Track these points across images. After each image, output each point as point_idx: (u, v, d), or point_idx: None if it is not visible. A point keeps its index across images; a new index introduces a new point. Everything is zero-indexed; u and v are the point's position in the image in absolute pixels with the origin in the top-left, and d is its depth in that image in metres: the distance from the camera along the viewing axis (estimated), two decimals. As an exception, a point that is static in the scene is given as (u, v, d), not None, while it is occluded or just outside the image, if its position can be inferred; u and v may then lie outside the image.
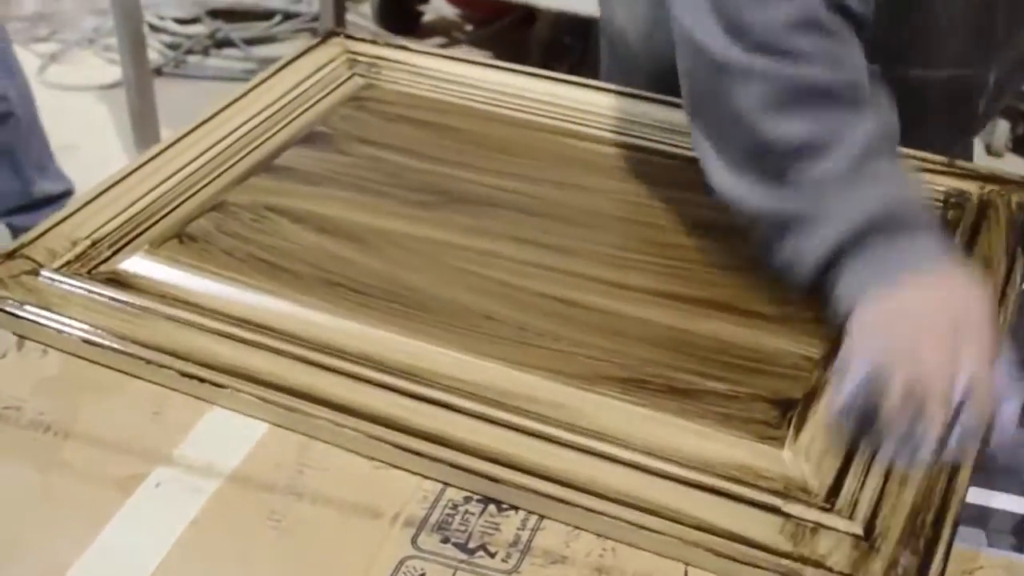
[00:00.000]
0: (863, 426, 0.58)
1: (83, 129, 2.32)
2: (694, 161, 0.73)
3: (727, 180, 0.70)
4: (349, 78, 0.93)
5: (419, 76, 0.93)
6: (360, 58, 0.95)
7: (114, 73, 2.45)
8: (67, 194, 1.92)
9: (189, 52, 2.65)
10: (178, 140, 0.83)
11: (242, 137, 0.84)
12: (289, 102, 0.89)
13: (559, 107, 0.89)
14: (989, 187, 0.81)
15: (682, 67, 0.72)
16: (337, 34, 0.98)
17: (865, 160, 0.65)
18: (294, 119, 0.87)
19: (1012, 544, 0.57)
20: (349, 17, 2.66)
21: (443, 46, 2.58)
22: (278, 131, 0.85)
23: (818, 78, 0.66)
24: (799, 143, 0.66)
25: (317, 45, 0.96)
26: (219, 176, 0.80)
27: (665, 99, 0.88)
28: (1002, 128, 2.12)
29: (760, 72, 0.66)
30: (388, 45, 0.96)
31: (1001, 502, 0.60)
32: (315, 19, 2.73)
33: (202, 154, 0.82)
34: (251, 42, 2.69)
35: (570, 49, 2.54)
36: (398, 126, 0.87)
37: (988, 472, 0.62)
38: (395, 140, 0.85)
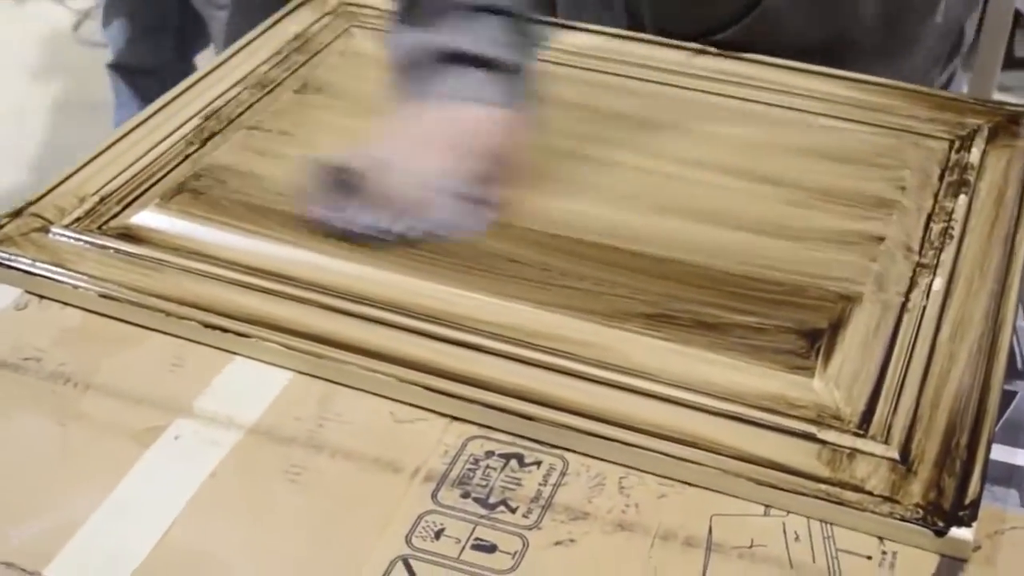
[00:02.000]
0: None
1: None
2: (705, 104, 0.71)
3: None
4: (345, 31, 0.91)
5: None
6: (357, 10, 0.94)
7: (148, 29, 2.44)
8: None
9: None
10: (177, 96, 0.82)
11: (243, 91, 0.83)
12: (284, 58, 0.87)
13: (577, 55, 0.88)
14: (993, 117, 0.80)
15: None
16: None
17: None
18: (294, 71, 0.86)
19: (1047, 504, 0.56)
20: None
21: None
22: (277, 85, 0.84)
23: None
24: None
25: (309, -1, 0.95)
26: (224, 129, 0.79)
27: (680, 44, 0.87)
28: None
29: None
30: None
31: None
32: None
33: (204, 108, 0.81)
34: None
35: None
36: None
37: (1019, 430, 0.60)
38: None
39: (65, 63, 2.34)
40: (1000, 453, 0.58)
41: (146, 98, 1.88)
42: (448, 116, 0.72)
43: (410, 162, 0.70)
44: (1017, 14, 1.59)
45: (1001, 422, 0.60)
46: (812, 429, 0.57)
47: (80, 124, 2.17)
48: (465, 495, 0.55)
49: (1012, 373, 0.64)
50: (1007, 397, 0.62)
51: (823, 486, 0.54)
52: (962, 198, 0.73)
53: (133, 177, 0.74)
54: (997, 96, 1.60)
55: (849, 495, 0.54)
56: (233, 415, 0.59)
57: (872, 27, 0.89)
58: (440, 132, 0.72)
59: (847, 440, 0.56)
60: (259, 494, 0.56)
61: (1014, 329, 0.63)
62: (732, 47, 0.87)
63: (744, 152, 0.77)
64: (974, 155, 0.76)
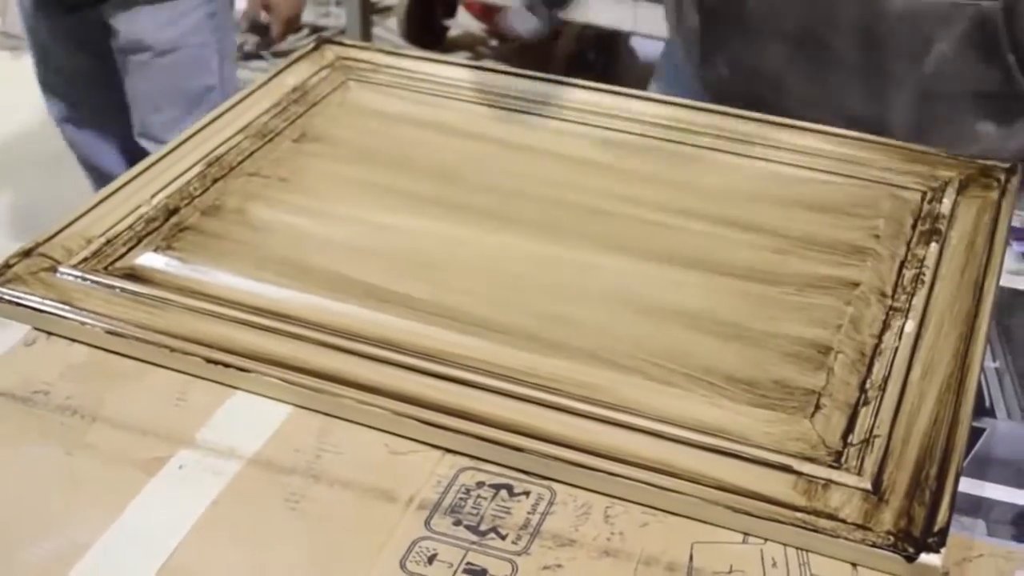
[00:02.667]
0: None
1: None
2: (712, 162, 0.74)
3: None
4: (343, 83, 0.95)
5: (413, 80, 0.95)
6: (354, 64, 0.97)
7: (144, 84, 2.47)
8: None
9: (217, 64, 2.68)
10: (181, 143, 0.85)
11: (244, 139, 0.86)
12: (283, 109, 0.91)
13: (570, 109, 0.91)
14: (965, 170, 0.83)
15: None
16: (330, 41, 1.01)
17: None
18: (293, 122, 0.89)
19: (1012, 534, 0.58)
20: (376, 31, 2.69)
21: (469, 60, 2.59)
22: (276, 135, 0.88)
23: None
24: None
25: (310, 52, 0.98)
26: (226, 175, 0.82)
27: (666, 99, 0.91)
28: None
29: None
30: (381, 51, 0.98)
31: (999, 494, 0.61)
32: (342, 33, 2.77)
33: (207, 155, 0.84)
34: (279, 55, 2.73)
35: (593, 63, 2.57)
36: (395, 127, 0.89)
37: (986, 465, 0.63)
38: (392, 143, 0.87)
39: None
40: (968, 486, 0.61)
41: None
42: None
43: None
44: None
45: (970, 457, 0.63)
46: (789, 461, 0.60)
47: (74, 177, 2.20)
48: (457, 522, 0.58)
49: (980, 411, 0.67)
50: (975, 433, 0.65)
51: (799, 514, 0.57)
52: (933, 246, 0.76)
53: (138, 220, 0.77)
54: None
55: (824, 523, 0.56)
56: (234, 446, 0.62)
57: (850, 37, 0.93)
58: None
59: (822, 472, 0.59)
60: (259, 521, 0.58)
61: (982, 369, 0.66)
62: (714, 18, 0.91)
63: (725, 202, 0.81)
64: (945, 205, 0.80)
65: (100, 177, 2.01)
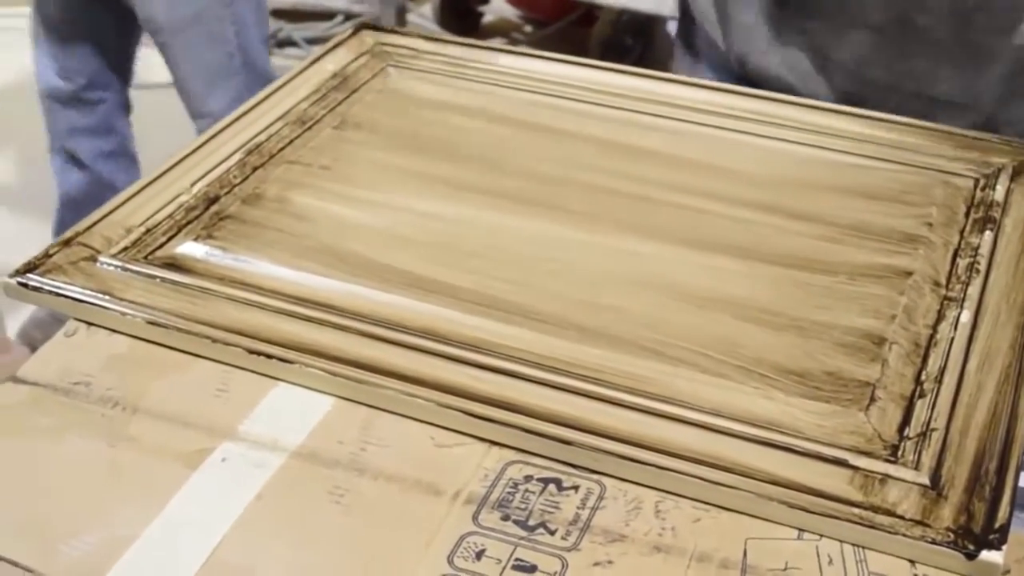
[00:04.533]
0: None
1: (145, 128, 2.35)
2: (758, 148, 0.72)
3: None
4: (382, 69, 0.93)
5: (451, 65, 0.94)
6: (393, 50, 0.96)
7: (178, 72, 2.48)
8: None
9: (252, 51, 2.67)
10: (221, 131, 0.84)
11: (284, 127, 0.85)
12: (322, 96, 0.90)
13: (613, 95, 0.90)
14: (1017, 156, 0.82)
15: None
16: (369, 27, 0.99)
17: None
18: (333, 109, 0.88)
19: (1073, 530, 0.57)
20: (410, 17, 2.68)
21: (504, 46, 2.59)
22: (316, 122, 0.87)
23: None
24: None
25: (348, 38, 0.97)
26: (266, 163, 0.82)
27: (711, 84, 0.90)
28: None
29: None
30: (420, 36, 0.97)
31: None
32: (377, 20, 2.77)
33: (246, 143, 0.83)
34: (313, 42, 2.73)
35: (630, 49, 2.54)
36: (435, 113, 0.88)
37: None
38: (433, 129, 0.86)
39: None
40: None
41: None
42: None
43: None
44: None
45: None
46: (845, 456, 0.58)
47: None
48: (505, 517, 0.57)
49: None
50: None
51: (856, 510, 0.55)
52: (987, 234, 0.74)
53: (178, 208, 0.76)
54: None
55: (881, 519, 0.55)
56: (278, 439, 0.61)
57: (939, 16, 0.91)
58: None
59: (879, 466, 0.58)
60: (304, 515, 0.57)
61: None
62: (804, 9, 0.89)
63: (773, 189, 0.79)
64: (999, 192, 0.78)
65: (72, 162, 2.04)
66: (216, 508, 0.57)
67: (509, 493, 0.58)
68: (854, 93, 0.95)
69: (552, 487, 0.58)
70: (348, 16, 2.82)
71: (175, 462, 0.60)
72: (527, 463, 0.60)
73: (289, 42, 2.71)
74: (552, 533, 0.56)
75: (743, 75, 1.01)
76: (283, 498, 0.58)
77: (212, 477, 0.59)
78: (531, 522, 0.56)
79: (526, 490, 0.58)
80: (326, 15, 2.81)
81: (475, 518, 0.56)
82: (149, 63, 2.62)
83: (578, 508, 0.57)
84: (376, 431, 0.62)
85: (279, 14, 2.79)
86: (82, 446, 0.61)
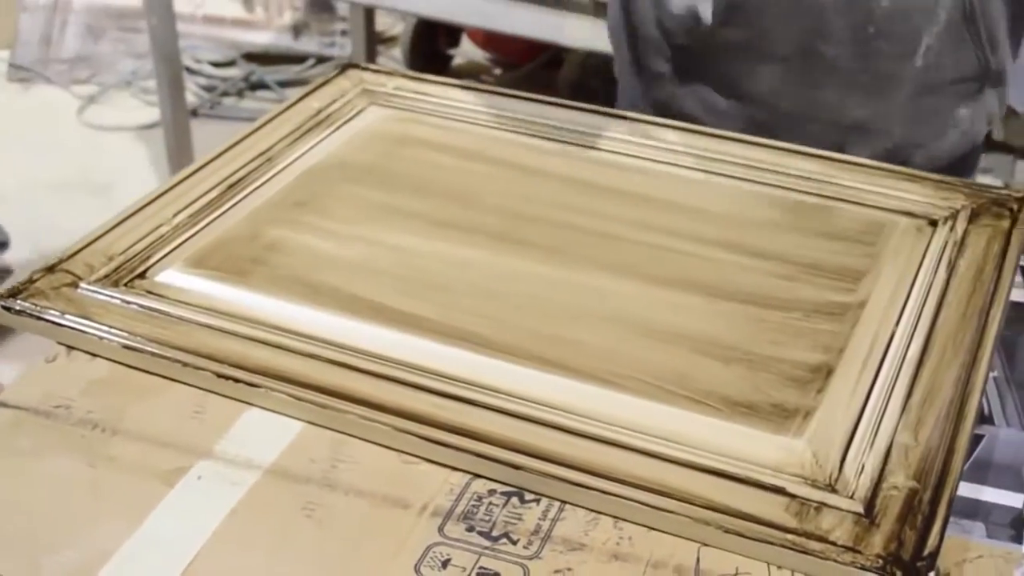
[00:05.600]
0: None
1: (121, 168, 2.38)
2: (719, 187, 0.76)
3: None
4: (364, 108, 0.97)
5: (431, 104, 0.97)
6: (377, 88, 0.99)
7: (151, 114, 2.52)
8: (2, 244, 2.03)
9: (224, 94, 2.72)
10: (203, 166, 0.87)
11: (262, 164, 0.88)
12: (307, 131, 0.93)
13: (582, 134, 0.93)
14: (977, 199, 0.85)
15: None
16: (354, 66, 1.02)
17: None
18: (312, 148, 0.91)
19: (1010, 536, 0.60)
20: (380, 60, 2.72)
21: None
22: (297, 159, 0.89)
23: None
24: None
25: (334, 77, 1.00)
26: (245, 198, 0.84)
27: (680, 125, 0.93)
28: (1021, 168, 2.15)
29: None
30: (403, 76, 1.01)
31: (998, 497, 0.63)
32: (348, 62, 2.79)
33: (227, 177, 0.86)
34: (285, 84, 2.75)
35: (596, 92, 2.59)
36: (411, 150, 0.91)
37: (985, 469, 0.65)
38: (408, 165, 0.89)
39: (70, 146, 2.40)
40: (968, 490, 0.63)
41: None
42: None
43: None
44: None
45: (969, 462, 0.65)
46: (784, 483, 0.61)
47: (84, 204, 2.23)
48: (470, 528, 0.59)
49: (980, 418, 0.68)
50: (975, 440, 0.66)
51: (790, 536, 0.58)
52: (942, 273, 0.76)
53: (158, 239, 0.79)
54: (978, 178, 1.65)
55: (814, 545, 0.57)
56: (252, 457, 0.64)
57: (843, 45, 0.95)
58: None
59: (816, 494, 0.60)
60: (277, 529, 0.60)
61: (983, 394, 0.67)
62: (711, 45, 0.94)
63: (734, 228, 0.82)
64: (956, 233, 0.81)
65: None
66: (193, 523, 0.60)
67: (474, 506, 0.61)
68: (767, 123, 0.99)
69: (515, 499, 0.61)
70: (319, 59, 2.85)
71: (153, 480, 0.62)
72: (491, 478, 0.62)
73: (261, 85, 2.74)
74: (515, 543, 0.58)
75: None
76: (257, 513, 0.60)
77: (189, 494, 0.61)
78: (495, 532, 0.59)
79: (490, 503, 0.61)
80: (298, 58, 2.85)
81: (441, 529, 0.59)
82: (127, 105, 2.65)
83: (539, 519, 0.60)
84: (346, 449, 0.64)
85: (252, 57, 2.82)
86: (63, 466, 0.63)
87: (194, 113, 2.52)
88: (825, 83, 0.96)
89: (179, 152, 2.17)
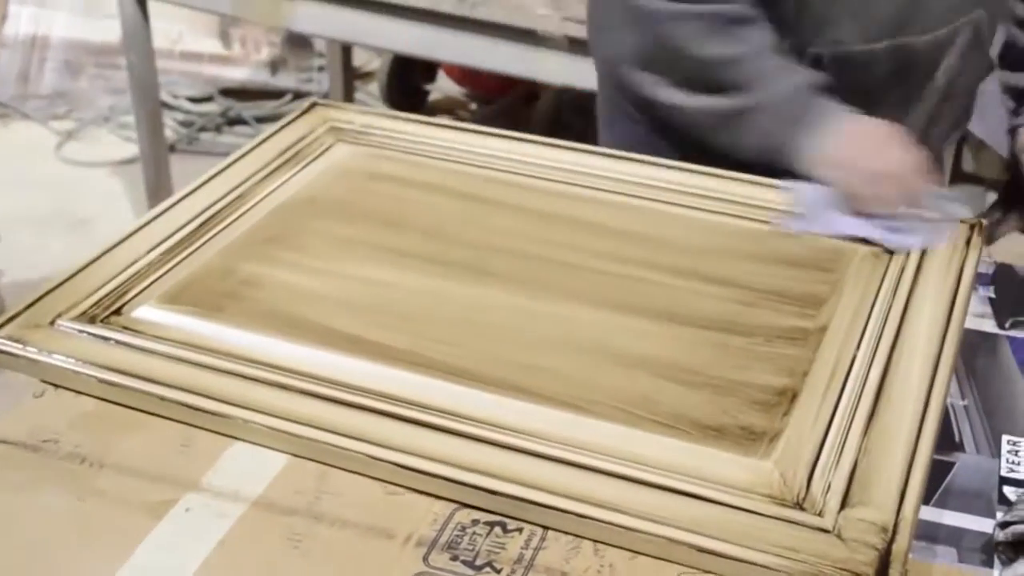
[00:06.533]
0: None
1: (99, 203, 2.39)
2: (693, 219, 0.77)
3: (683, 99, 0.97)
4: (332, 145, 0.98)
5: (399, 140, 0.99)
6: (344, 126, 1.00)
7: (129, 149, 2.52)
8: None
9: (202, 129, 2.73)
10: (177, 202, 0.89)
11: (234, 200, 0.89)
12: (277, 168, 0.94)
13: (549, 168, 0.95)
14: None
15: (627, 33, 0.99)
16: (321, 104, 1.04)
17: (773, 60, 0.94)
18: (282, 184, 0.92)
19: (982, 560, 0.62)
20: (357, 96, 2.73)
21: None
22: (267, 195, 0.91)
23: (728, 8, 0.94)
24: (727, 58, 0.94)
25: (301, 115, 1.02)
26: (218, 234, 0.86)
27: (642, 159, 0.95)
28: (991, 200, 2.18)
29: (687, 12, 0.94)
30: (370, 113, 1.02)
31: (969, 523, 0.64)
32: (325, 97, 2.80)
33: (200, 213, 0.87)
34: (262, 120, 2.77)
35: (571, 125, 2.61)
36: (382, 186, 0.93)
37: (956, 496, 0.66)
38: (379, 201, 0.91)
39: (48, 181, 2.41)
40: (938, 516, 0.64)
41: None
42: (874, 130, 0.91)
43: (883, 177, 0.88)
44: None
45: (941, 489, 0.66)
46: (752, 504, 0.62)
47: (63, 239, 2.23)
48: (454, 558, 0.60)
49: (950, 446, 0.70)
50: (945, 467, 0.68)
51: (761, 555, 0.59)
52: (900, 298, 0.78)
53: (133, 275, 0.80)
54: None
55: (784, 562, 0.59)
56: (239, 489, 0.65)
57: (881, 65, 0.99)
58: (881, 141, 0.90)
59: (785, 513, 0.62)
60: (264, 561, 0.61)
61: (952, 410, 0.69)
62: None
63: (697, 257, 0.84)
64: (912, 259, 0.83)
65: None
66: (181, 555, 0.61)
67: (457, 536, 0.62)
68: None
69: (498, 529, 0.62)
70: (297, 95, 2.87)
71: (141, 513, 0.63)
72: (474, 507, 0.63)
73: (239, 120, 2.75)
74: (498, 571, 0.60)
75: None
76: (244, 544, 0.61)
77: (177, 526, 0.62)
78: (478, 562, 0.60)
79: (473, 532, 0.62)
80: (275, 94, 2.86)
81: (425, 559, 0.60)
82: (105, 141, 2.66)
83: (522, 548, 0.61)
84: (330, 481, 0.65)
85: (229, 93, 2.83)
86: (52, 499, 0.64)
87: (172, 148, 2.52)
88: (854, 101, 0.98)
89: (158, 187, 2.17)
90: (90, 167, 2.57)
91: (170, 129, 2.64)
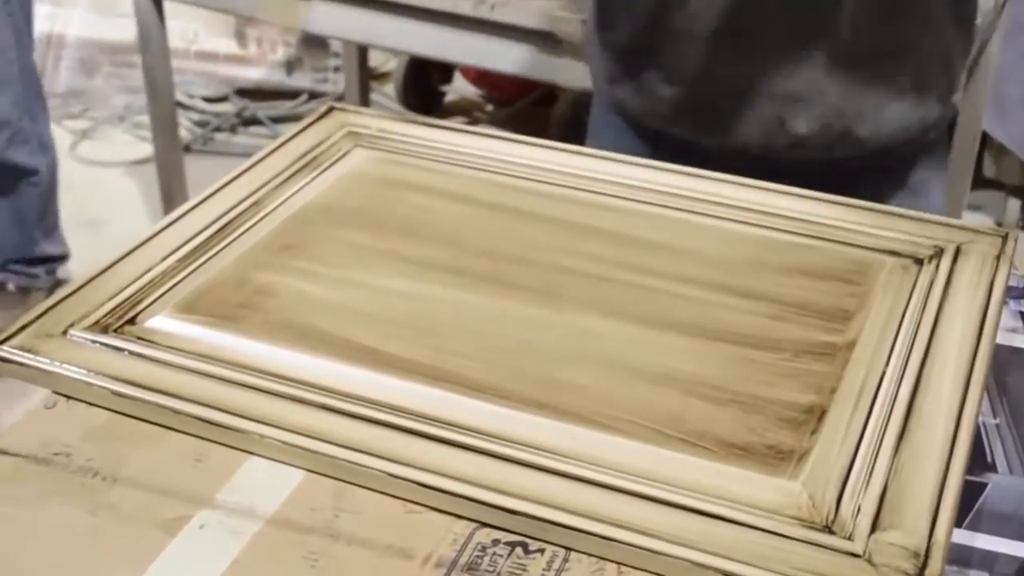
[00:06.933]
0: None
1: (114, 204, 2.38)
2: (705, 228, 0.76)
3: None
4: (350, 150, 0.97)
5: (416, 146, 0.97)
6: (361, 131, 0.99)
7: (143, 149, 2.52)
8: (63, 257, 2.04)
9: (217, 129, 2.72)
10: (192, 209, 0.87)
11: (251, 205, 0.88)
12: (293, 174, 0.93)
13: (571, 176, 0.93)
14: (961, 237, 0.85)
15: None
16: (337, 108, 1.03)
17: None
18: (299, 191, 0.91)
19: (1015, 585, 0.60)
20: (373, 97, 2.73)
21: (465, 125, 2.63)
22: (283, 202, 0.89)
23: None
24: None
25: (318, 119, 1.00)
26: (234, 241, 0.84)
27: (666, 167, 0.93)
28: (1012, 206, 2.16)
29: None
30: (387, 118, 1.01)
31: (1002, 546, 0.63)
32: (340, 98, 2.80)
33: (215, 220, 0.86)
34: (277, 120, 2.76)
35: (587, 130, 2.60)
36: (400, 193, 0.91)
37: (989, 518, 0.65)
38: (397, 208, 0.89)
39: (62, 181, 2.40)
40: (971, 539, 0.63)
41: None
42: None
43: None
44: (984, 136, 1.67)
45: (973, 511, 0.65)
46: (780, 527, 0.61)
47: (77, 240, 2.23)
48: (474, 580, 0.59)
49: (982, 466, 0.68)
50: (978, 488, 0.66)
51: None
52: (929, 312, 0.77)
53: (149, 283, 0.79)
54: (967, 214, 1.66)
55: None
56: (254, 506, 0.63)
57: (764, 16, 0.99)
58: None
59: (813, 536, 0.60)
60: (279, 579, 0.59)
61: (983, 429, 0.68)
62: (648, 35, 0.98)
63: (722, 268, 0.82)
64: (942, 271, 0.81)
65: None
66: (195, 574, 0.59)
67: (478, 557, 0.60)
68: (711, 105, 1.03)
69: (519, 550, 0.61)
70: (312, 95, 2.86)
71: (154, 529, 0.62)
72: (495, 527, 0.62)
73: (254, 120, 2.74)
74: (519, 594, 0.58)
75: None
76: (260, 563, 0.60)
77: (190, 544, 0.61)
78: (499, 584, 0.59)
79: (494, 553, 0.61)
80: (291, 94, 2.86)
81: (445, 581, 0.59)
82: (119, 140, 2.65)
83: (544, 570, 0.60)
84: (348, 498, 0.64)
85: (244, 93, 2.83)
86: (63, 514, 0.63)
87: (187, 148, 2.52)
88: (751, 57, 0.97)
89: (172, 187, 2.17)
90: (104, 166, 2.56)
91: (185, 129, 2.64)
